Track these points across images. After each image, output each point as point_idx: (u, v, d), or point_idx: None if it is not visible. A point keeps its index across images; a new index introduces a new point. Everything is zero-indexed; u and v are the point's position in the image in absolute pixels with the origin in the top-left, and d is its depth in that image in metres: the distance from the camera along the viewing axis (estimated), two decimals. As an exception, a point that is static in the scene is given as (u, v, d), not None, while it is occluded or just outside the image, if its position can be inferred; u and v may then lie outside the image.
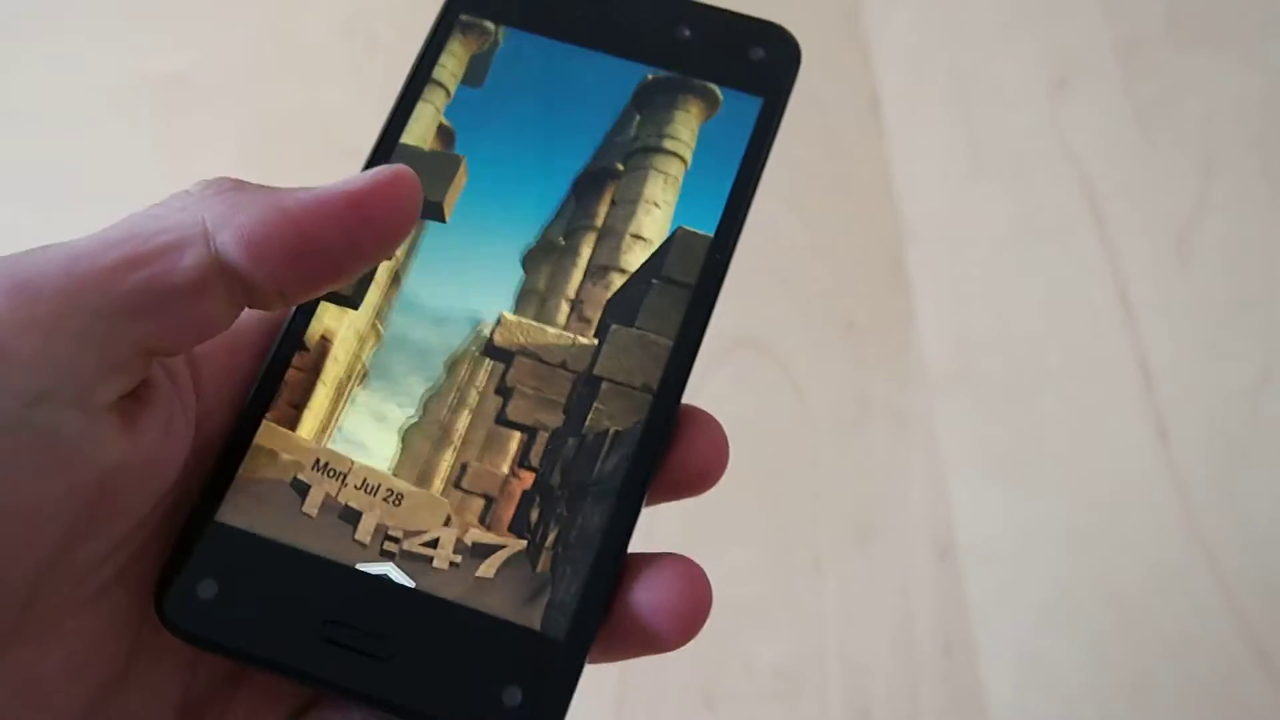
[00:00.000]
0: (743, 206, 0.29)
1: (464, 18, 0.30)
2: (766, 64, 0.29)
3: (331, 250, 0.23)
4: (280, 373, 0.26)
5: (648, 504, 0.26)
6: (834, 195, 0.53)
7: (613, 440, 0.26)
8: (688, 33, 0.29)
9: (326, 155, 0.56)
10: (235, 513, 0.25)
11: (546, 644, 0.24)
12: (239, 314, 0.23)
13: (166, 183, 0.59)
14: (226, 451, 0.26)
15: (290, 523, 0.25)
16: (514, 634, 0.24)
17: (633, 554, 0.25)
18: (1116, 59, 0.55)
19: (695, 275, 0.28)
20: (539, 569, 0.25)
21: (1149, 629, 0.41)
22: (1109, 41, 0.55)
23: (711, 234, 0.29)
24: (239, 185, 0.23)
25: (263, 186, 0.23)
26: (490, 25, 0.29)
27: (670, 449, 0.26)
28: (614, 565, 0.25)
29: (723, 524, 0.46)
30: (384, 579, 0.25)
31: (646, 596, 0.24)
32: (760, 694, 0.43)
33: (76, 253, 0.22)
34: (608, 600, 0.24)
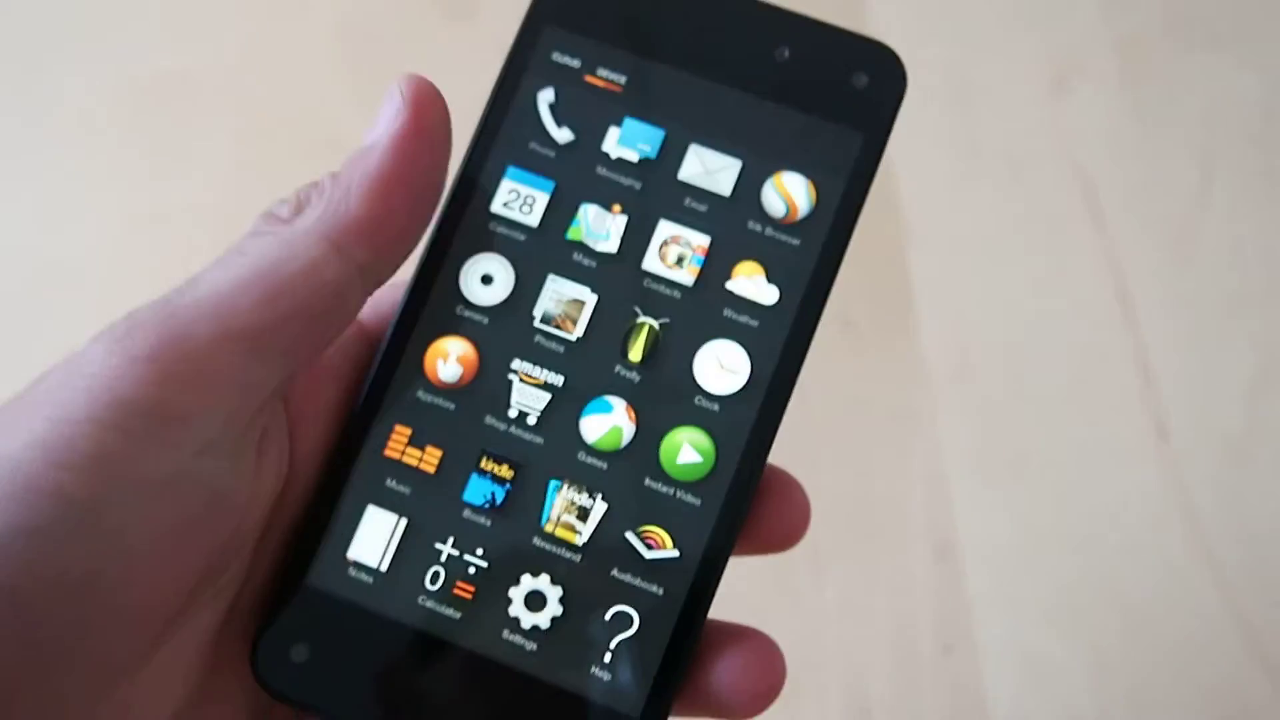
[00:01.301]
0: (829, 269, 0.27)
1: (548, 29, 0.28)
2: (870, 92, 0.27)
3: (416, 181, 0.24)
4: (375, 406, 0.26)
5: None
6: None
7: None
8: (787, 53, 0.27)
9: (326, 155, 0.56)
10: (330, 576, 0.25)
11: None
12: (368, 298, 0.24)
13: (166, 182, 0.59)
14: (322, 497, 0.26)
15: (381, 590, 0.25)
16: (606, 715, 0.24)
17: (713, 621, 0.26)
18: (1116, 59, 0.55)
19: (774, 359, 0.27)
20: (630, 650, 0.25)
21: (1149, 628, 0.41)
22: (1109, 41, 0.55)
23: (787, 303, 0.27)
24: (320, 186, 0.24)
25: (338, 176, 0.24)
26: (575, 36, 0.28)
27: (753, 512, 0.26)
28: (695, 643, 0.25)
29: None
30: (474, 655, 0.25)
31: (728, 676, 0.25)
32: (760, 694, 0.43)
33: (221, 296, 0.22)
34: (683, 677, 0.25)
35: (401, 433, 0.26)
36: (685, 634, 0.25)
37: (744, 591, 0.45)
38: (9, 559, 0.20)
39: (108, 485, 0.21)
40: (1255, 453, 0.44)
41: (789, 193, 0.26)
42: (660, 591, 0.25)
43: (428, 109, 0.25)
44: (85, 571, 0.21)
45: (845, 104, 0.27)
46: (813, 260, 0.26)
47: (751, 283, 0.26)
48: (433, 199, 0.25)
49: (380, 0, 0.61)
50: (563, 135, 0.27)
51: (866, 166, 0.27)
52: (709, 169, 0.27)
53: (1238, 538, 0.42)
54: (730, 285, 0.26)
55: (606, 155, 0.27)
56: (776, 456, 0.47)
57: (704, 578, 0.25)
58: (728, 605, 0.45)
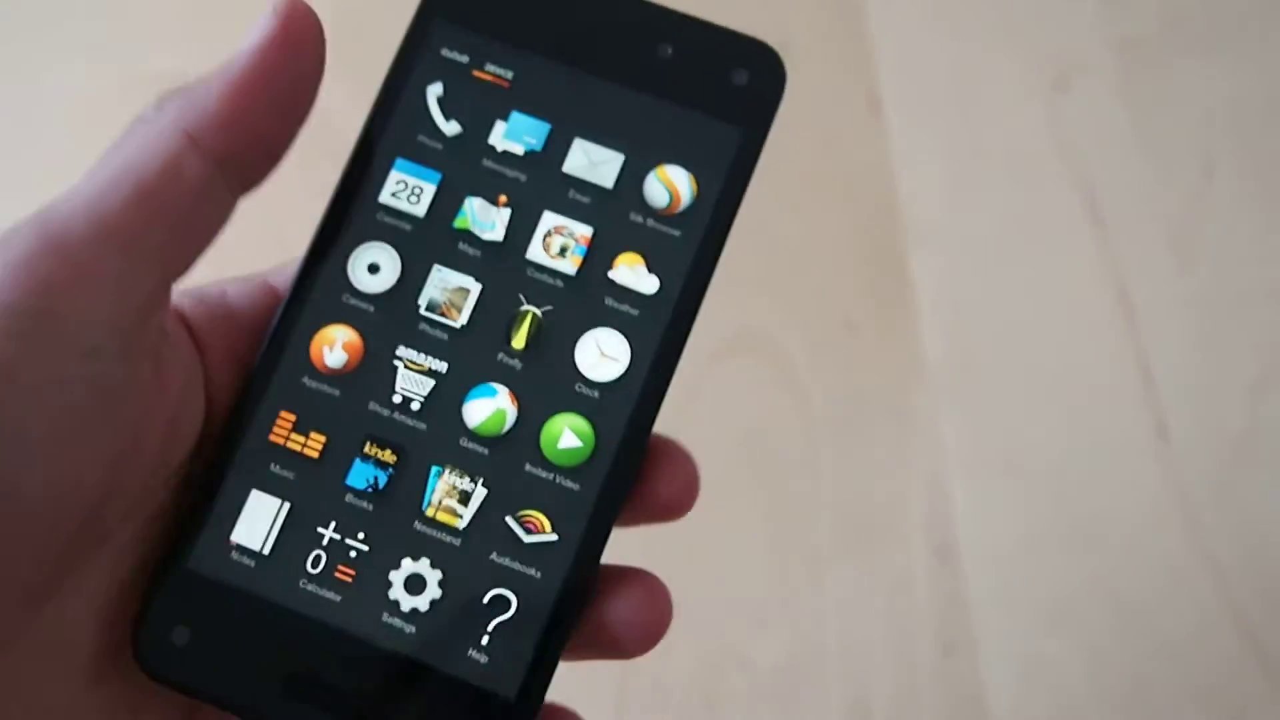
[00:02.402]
0: (709, 256, 0.27)
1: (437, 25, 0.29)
2: (750, 89, 0.27)
3: (278, 86, 0.25)
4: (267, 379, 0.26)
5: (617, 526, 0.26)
6: (834, 195, 0.53)
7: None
8: (671, 50, 0.27)
9: (325, 154, 0.56)
10: (211, 559, 0.25)
11: (512, 711, 0.25)
12: (235, 204, 0.25)
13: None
14: (208, 476, 0.26)
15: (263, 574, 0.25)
16: (482, 696, 0.25)
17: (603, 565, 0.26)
18: (1116, 59, 0.55)
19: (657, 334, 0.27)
20: (507, 632, 0.25)
21: (1149, 629, 0.41)
22: (1109, 41, 0.55)
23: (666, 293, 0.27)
24: (182, 89, 0.25)
25: (200, 79, 0.25)
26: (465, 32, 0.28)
27: (642, 481, 0.27)
28: (573, 626, 0.25)
29: (723, 524, 0.46)
30: (355, 637, 0.25)
31: (618, 615, 0.26)
32: (760, 694, 0.43)
33: (91, 198, 0.23)
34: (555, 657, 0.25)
35: (286, 418, 0.26)
36: (562, 617, 0.25)
37: (744, 591, 0.45)
38: None
39: None
40: (1255, 453, 0.44)
41: (673, 184, 0.27)
42: (538, 575, 0.25)
43: (296, 21, 0.25)
44: None
45: (726, 100, 0.27)
46: (692, 251, 0.27)
47: (632, 272, 0.27)
48: (298, 109, 0.26)
49: (378, 1, 0.61)
50: (450, 128, 0.28)
51: (746, 161, 0.27)
52: (593, 161, 0.27)
53: (1238, 538, 0.42)
54: (612, 275, 0.27)
55: (493, 148, 0.27)
56: (777, 456, 0.47)
57: (582, 562, 0.25)
58: (728, 605, 0.45)
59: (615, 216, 0.27)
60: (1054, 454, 0.45)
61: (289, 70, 0.25)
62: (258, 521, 0.26)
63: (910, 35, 0.57)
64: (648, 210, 0.27)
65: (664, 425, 0.48)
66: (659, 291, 0.27)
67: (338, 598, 0.25)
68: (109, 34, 0.63)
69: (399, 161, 0.28)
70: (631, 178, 0.27)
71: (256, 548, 0.25)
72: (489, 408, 0.26)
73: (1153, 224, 0.50)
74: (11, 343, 0.21)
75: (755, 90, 0.27)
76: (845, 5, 0.57)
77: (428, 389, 0.26)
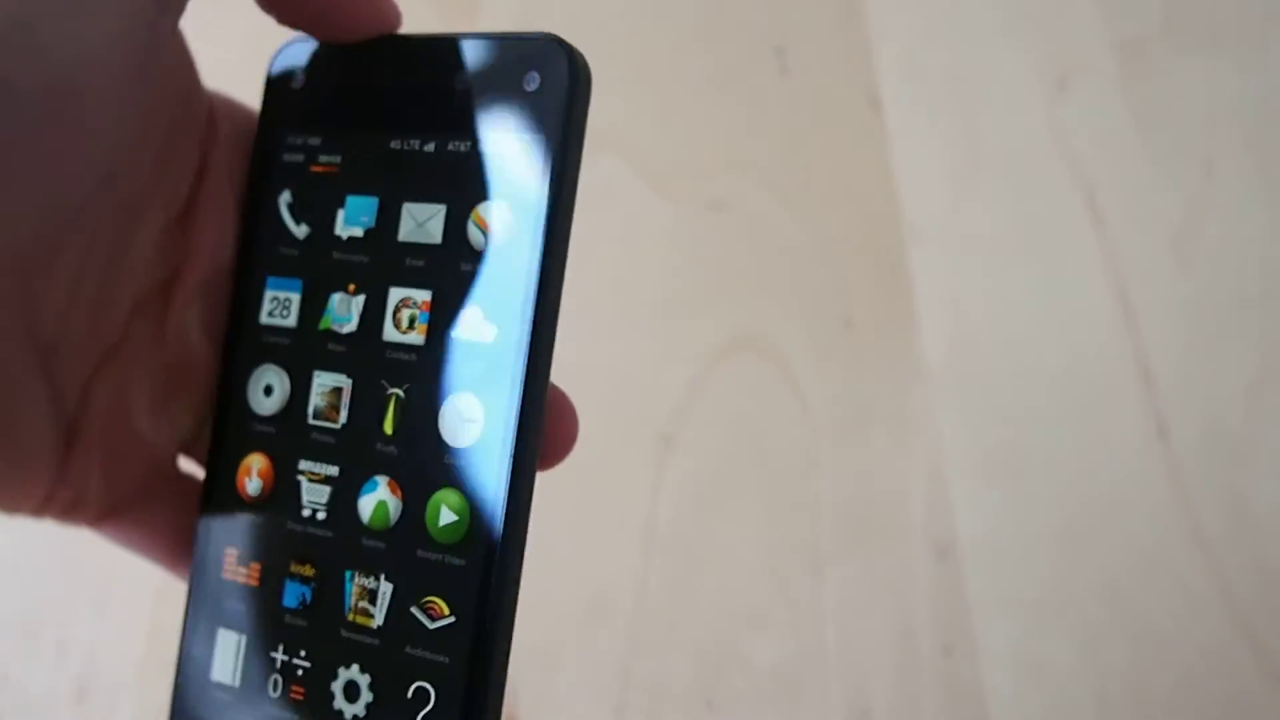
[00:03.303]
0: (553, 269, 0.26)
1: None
2: (544, 90, 0.26)
3: None
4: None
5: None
6: (834, 195, 0.53)
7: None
8: (464, 78, 0.26)
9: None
10: (201, 702, 0.27)
11: None
12: None
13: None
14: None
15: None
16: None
17: None
18: (1116, 59, 0.55)
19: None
20: (429, 710, 0.25)
21: (1149, 628, 0.41)
22: (1108, 42, 0.55)
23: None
24: None
25: None
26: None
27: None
28: (493, 703, 0.25)
29: (723, 523, 0.46)
30: None
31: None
32: (760, 694, 0.43)
33: None
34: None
35: (230, 554, 0.27)
36: (478, 697, 0.25)
37: (744, 592, 0.45)
38: None
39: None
40: (1255, 453, 0.44)
41: (484, 221, 0.26)
42: (447, 660, 0.25)
43: None
44: (31, 79, 0.22)
45: (524, 112, 0.26)
46: (521, 282, 0.25)
47: (472, 325, 0.26)
48: None
49: None
50: (301, 231, 0.28)
51: (560, 168, 0.25)
52: (419, 222, 0.27)
53: (1238, 537, 0.42)
54: (454, 333, 0.26)
55: (338, 238, 0.27)
56: (777, 456, 0.47)
57: (484, 638, 0.25)
58: (728, 605, 0.45)
59: (449, 272, 0.26)
60: (1054, 454, 0.45)
61: None
62: (227, 657, 0.27)
63: (910, 35, 0.57)
64: (474, 256, 0.26)
65: (665, 424, 0.48)
66: (498, 336, 0.25)
67: (296, 718, 0.26)
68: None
69: (269, 279, 0.28)
70: (455, 226, 0.26)
71: (230, 682, 0.26)
72: (372, 502, 0.26)
73: (1153, 224, 0.50)
74: None
75: (547, 90, 0.26)
76: (845, 5, 0.57)
77: (327, 496, 0.26)
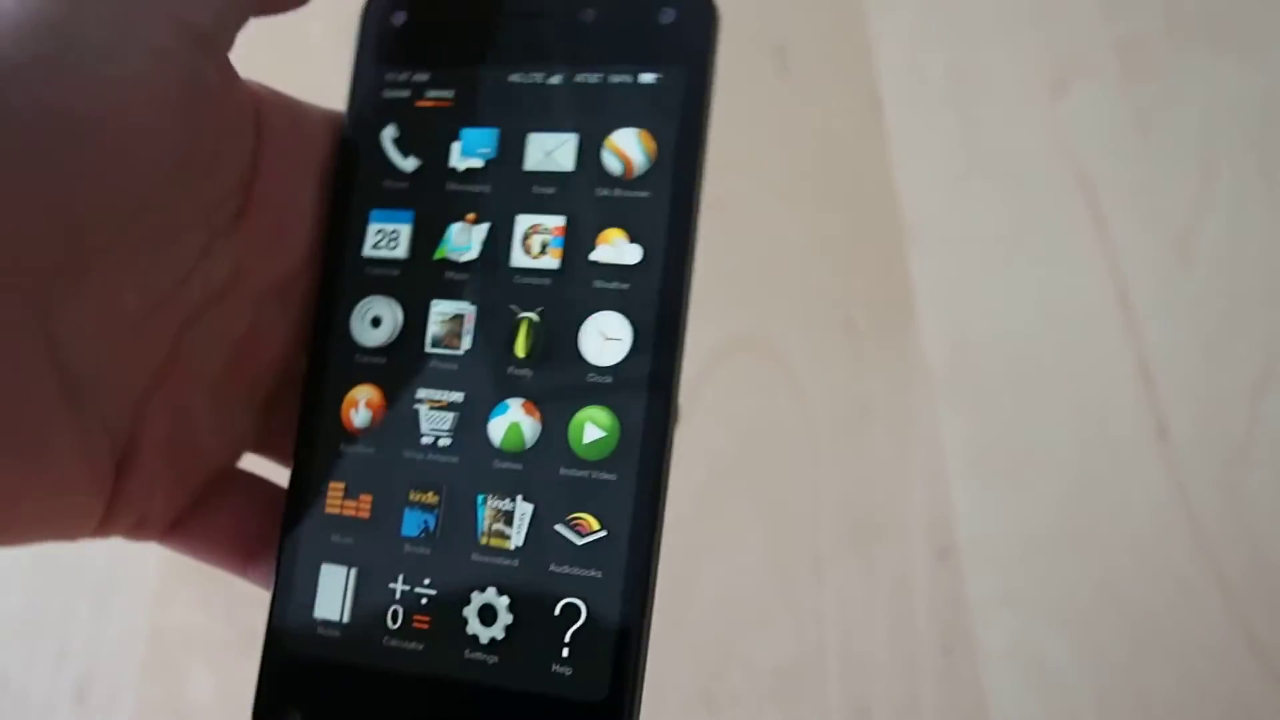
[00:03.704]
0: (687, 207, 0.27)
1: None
2: (681, 26, 0.27)
3: None
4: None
5: None
6: (834, 195, 0.53)
7: None
8: (591, 13, 0.27)
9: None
10: (304, 640, 0.26)
11: (606, 711, 0.25)
12: None
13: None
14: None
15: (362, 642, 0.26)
16: (575, 707, 0.25)
17: None
18: (1116, 59, 0.55)
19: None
20: (585, 638, 0.25)
21: (1149, 628, 0.41)
22: (1109, 41, 0.55)
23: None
24: None
25: None
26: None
27: None
28: (645, 616, 0.25)
29: (723, 524, 0.46)
30: (445, 681, 0.25)
31: None
32: (760, 694, 0.43)
33: None
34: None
35: (336, 488, 0.27)
36: (633, 609, 0.25)
37: (744, 592, 0.45)
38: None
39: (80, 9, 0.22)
40: (1255, 453, 0.44)
41: (621, 149, 0.26)
42: (600, 575, 0.25)
43: None
44: (70, 100, 0.21)
45: (658, 46, 0.26)
46: (665, 207, 0.26)
47: (614, 248, 0.26)
48: None
49: None
50: (410, 164, 0.28)
51: (695, 100, 0.26)
52: (548, 151, 0.27)
53: (1238, 537, 0.42)
54: (594, 256, 0.26)
55: (454, 170, 0.27)
56: (777, 456, 0.47)
57: (637, 550, 0.25)
58: (728, 605, 0.45)
59: (583, 199, 0.26)
60: (1054, 454, 0.45)
61: None
62: (333, 593, 0.26)
63: (910, 35, 0.57)
64: (610, 182, 0.26)
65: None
66: (644, 258, 0.26)
67: (421, 647, 0.25)
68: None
69: (373, 213, 0.28)
70: (588, 154, 0.27)
71: (338, 618, 0.26)
72: (504, 424, 0.26)
73: (1152, 224, 0.50)
74: None
75: (685, 24, 0.26)
76: (845, 6, 0.57)
77: (450, 422, 0.26)
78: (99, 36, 0.22)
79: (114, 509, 0.25)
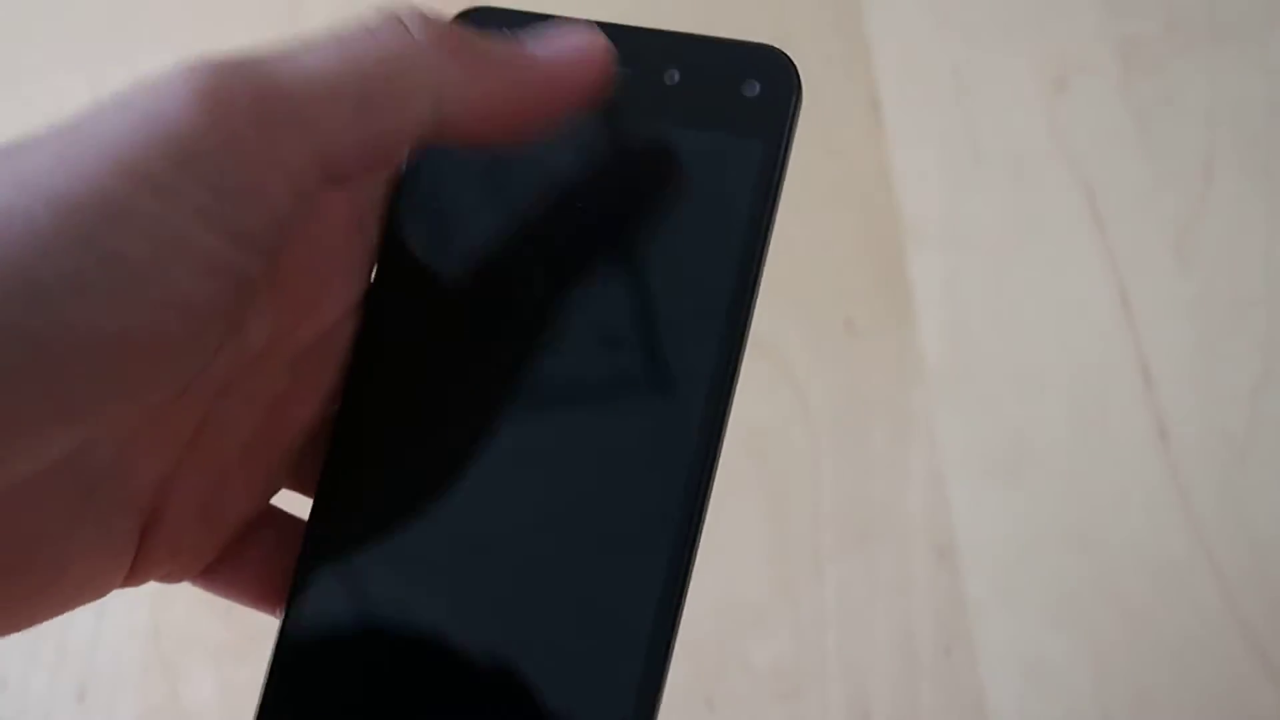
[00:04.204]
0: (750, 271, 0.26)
1: None
2: (763, 98, 0.26)
3: (531, 117, 0.23)
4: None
5: None
6: (834, 195, 0.53)
7: None
8: (677, 75, 0.26)
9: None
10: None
11: None
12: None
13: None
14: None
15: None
16: None
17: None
18: (1116, 59, 0.55)
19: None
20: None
21: (1149, 629, 0.41)
22: (1109, 41, 0.55)
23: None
24: (465, 43, 0.22)
25: (487, 45, 0.22)
26: None
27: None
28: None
29: (723, 524, 0.46)
30: None
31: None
32: (760, 694, 0.43)
33: (311, 76, 0.21)
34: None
35: (355, 518, 0.26)
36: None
37: (744, 591, 0.45)
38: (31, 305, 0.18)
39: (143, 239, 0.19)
40: (1255, 453, 0.44)
41: (685, 214, 0.26)
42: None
43: (598, 67, 0.23)
44: (100, 323, 0.19)
45: (741, 115, 0.26)
46: (725, 271, 0.26)
47: (670, 320, 0.26)
48: (522, 129, 0.23)
49: (377, 3, 0.61)
50: (465, 210, 0.27)
51: (774, 173, 0.26)
52: (614, 205, 0.26)
53: (1238, 538, 0.42)
54: (651, 320, 0.26)
55: (509, 215, 0.26)
56: (777, 456, 0.47)
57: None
58: (728, 605, 0.45)
59: (642, 257, 0.26)
60: (1054, 454, 0.45)
61: (558, 102, 0.23)
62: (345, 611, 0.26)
63: (910, 35, 0.57)
64: (673, 246, 0.26)
65: (664, 425, 0.48)
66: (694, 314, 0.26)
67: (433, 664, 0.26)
68: (109, 34, 0.63)
69: (418, 260, 0.27)
70: (653, 213, 0.26)
71: (349, 635, 0.26)
72: None
73: (1153, 224, 0.50)
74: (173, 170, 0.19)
75: (767, 98, 0.26)
76: (845, 6, 0.57)
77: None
78: (140, 252, 0.19)
79: (139, 569, 0.24)
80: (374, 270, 0.26)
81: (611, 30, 0.25)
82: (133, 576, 0.24)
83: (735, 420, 0.48)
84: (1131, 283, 0.48)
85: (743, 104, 0.26)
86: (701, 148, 0.26)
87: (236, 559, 0.26)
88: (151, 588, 0.46)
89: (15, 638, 0.47)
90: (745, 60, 0.26)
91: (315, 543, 0.26)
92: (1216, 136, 0.52)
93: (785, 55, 0.26)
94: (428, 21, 0.22)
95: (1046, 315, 0.48)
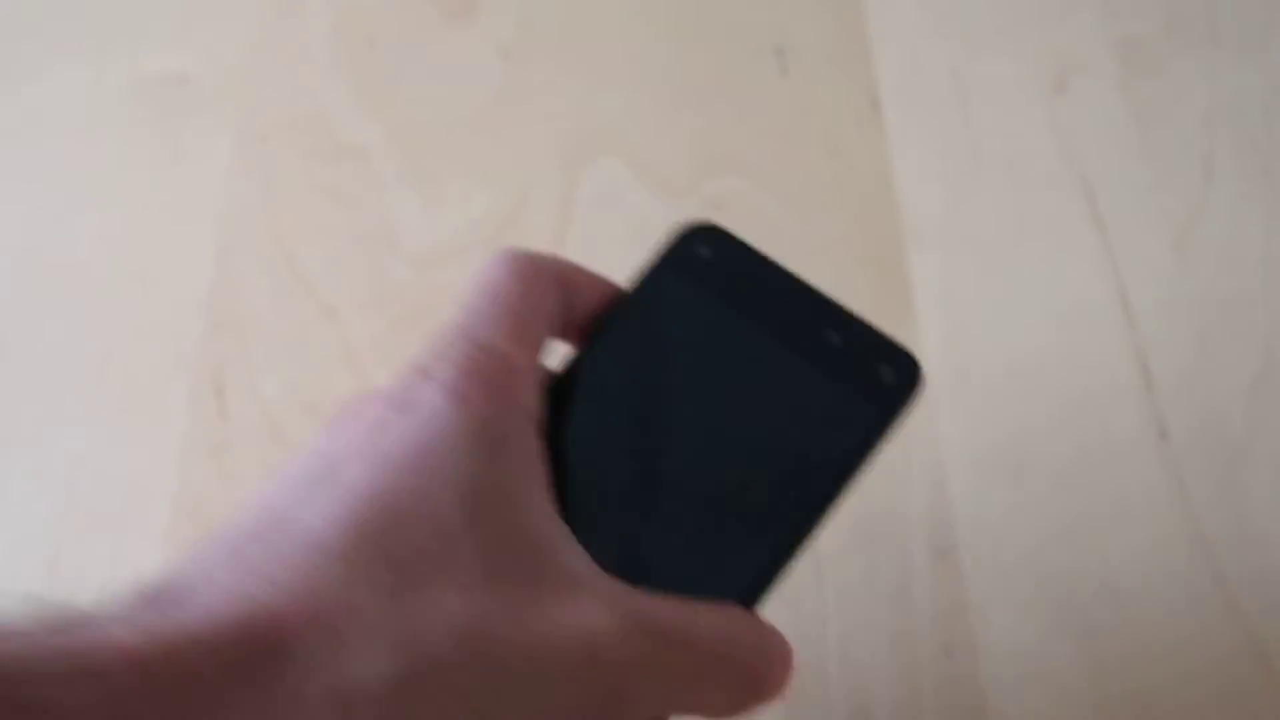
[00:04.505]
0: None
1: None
2: (890, 382, 0.32)
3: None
4: None
5: None
6: (834, 195, 0.53)
7: None
8: (834, 336, 0.33)
9: (325, 156, 0.56)
10: None
11: None
12: None
13: (167, 182, 0.59)
14: None
15: None
16: None
17: None
18: (1116, 59, 0.55)
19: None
20: None
21: (1149, 629, 0.41)
22: (1109, 41, 0.55)
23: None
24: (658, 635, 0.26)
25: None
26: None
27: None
28: None
29: (723, 524, 0.46)
30: None
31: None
32: (760, 694, 0.43)
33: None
34: None
35: None
36: None
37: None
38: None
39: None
40: (1255, 453, 0.44)
41: (789, 451, 0.32)
42: None
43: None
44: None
45: (866, 389, 0.32)
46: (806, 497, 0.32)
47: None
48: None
49: (380, 1, 0.61)
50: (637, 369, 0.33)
51: (875, 436, 0.32)
52: (737, 408, 0.32)
53: (1238, 538, 0.42)
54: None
55: (663, 385, 0.33)
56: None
57: None
58: (728, 605, 0.45)
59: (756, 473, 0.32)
60: (1054, 454, 0.45)
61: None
62: None
63: (910, 35, 0.57)
64: (779, 471, 0.32)
65: (664, 425, 0.47)
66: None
67: None
68: (110, 34, 0.63)
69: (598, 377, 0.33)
70: (761, 437, 0.32)
71: None
72: None
73: (1153, 224, 0.50)
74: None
75: (893, 387, 0.32)
76: (845, 6, 0.57)
77: None
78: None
79: None
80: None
81: (812, 294, 0.34)
82: None
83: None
84: (1131, 283, 0.48)
85: (875, 379, 0.32)
86: (835, 393, 0.32)
87: None
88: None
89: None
90: (888, 351, 0.33)
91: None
92: (1216, 136, 0.52)
93: (917, 361, 0.33)
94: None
95: (1046, 315, 0.48)
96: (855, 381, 0.32)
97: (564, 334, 0.32)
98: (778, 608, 0.43)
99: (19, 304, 0.53)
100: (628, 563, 0.29)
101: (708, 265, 0.34)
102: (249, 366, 0.50)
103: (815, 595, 0.44)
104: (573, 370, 0.32)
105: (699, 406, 0.32)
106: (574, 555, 0.26)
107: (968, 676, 0.42)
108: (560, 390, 0.31)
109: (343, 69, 0.59)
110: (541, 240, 0.52)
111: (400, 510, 0.23)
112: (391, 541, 0.23)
